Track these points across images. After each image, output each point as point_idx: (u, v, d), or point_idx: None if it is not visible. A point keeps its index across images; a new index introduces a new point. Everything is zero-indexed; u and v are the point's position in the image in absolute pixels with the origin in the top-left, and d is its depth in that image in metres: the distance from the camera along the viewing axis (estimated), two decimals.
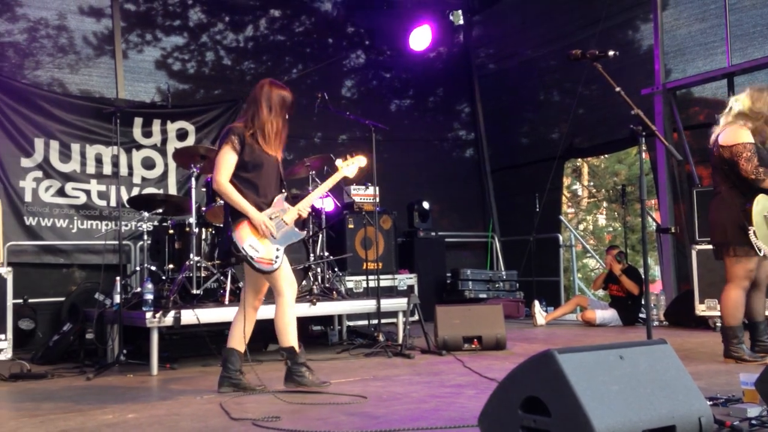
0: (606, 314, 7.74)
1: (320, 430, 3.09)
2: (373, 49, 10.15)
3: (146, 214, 6.04)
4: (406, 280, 8.21)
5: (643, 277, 7.16)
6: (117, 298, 5.43)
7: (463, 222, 10.54)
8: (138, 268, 6.31)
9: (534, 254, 8.91)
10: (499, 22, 10.60)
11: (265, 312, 4.59)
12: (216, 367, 4.44)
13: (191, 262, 5.58)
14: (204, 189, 6.31)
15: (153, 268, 5.97)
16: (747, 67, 7.26)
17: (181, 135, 8.21)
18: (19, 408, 4.00)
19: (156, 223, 6.36)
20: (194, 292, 5.54)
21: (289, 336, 4.15)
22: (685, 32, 7.92)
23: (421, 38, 9.61)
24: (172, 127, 8.15)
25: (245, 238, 4.03)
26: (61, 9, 7.85)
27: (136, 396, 4.21)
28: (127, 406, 3.84)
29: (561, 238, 9.63)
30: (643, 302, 7.63)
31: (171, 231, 5.95)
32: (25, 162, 7.33)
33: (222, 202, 4.43)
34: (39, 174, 7.38)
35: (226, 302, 5.47)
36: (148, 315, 4.99)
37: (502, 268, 10.09)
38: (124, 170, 7.73)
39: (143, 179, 7.96)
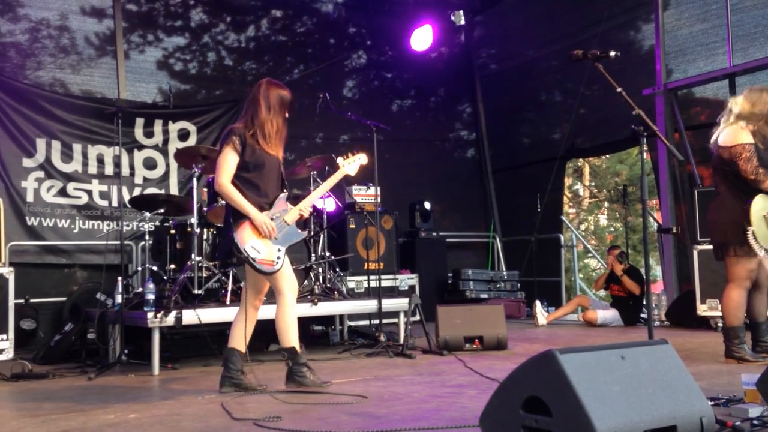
0: (607, 314, 7.74)
1: (321, 430, 3.09)
2: (374, 49, 10.15)
3: (148, 214, 6.05)
4: (408, 280, 8.21)
5: (644, 277, 7.20)
6: (118, 298, 5.43)
7: (465, 222, 10.54)
8: (139, 268, 6.31)
9: (535, 254, 8.91)
10: (500, 23, 10.61)
11: (267, 312, 4.59)
12: (217, 367, 4.44)
13: (193, 262, 5.58)
14: (205, 189, 6.32)
15: (154, 268, 5.97)
16: (748, 68, 7.26)
17: (183, 135, 8.22)
18: (21, 408, 4.00)
19: (157, 223, 6.37)
20: (196, 292, 5.54)
21: (290, 336, 4.15)
22: (686, 32, 7.92)
23: (422, 38, 9.61)
24: (174, 128, 8.16)
25: (247, 240, 4.03)
26: (63, 9, 7.85)
27: (138, 396, 4.22)
28: (129, 406, 3.85)
29: (562, 238, 9.62)
30: (644, 302, 7.62)
31: (172, 231, 5.96)
32: (27, 162, 7.34)
33: (223, 202, 4.43)
34: (41, 174, 7.39)
35: (228, 302, 5.47)
36: (150, 315, 4.99)
37: (504, 269, 10.09)
38: (125, 170, 7.74)
39: (145, 179, 7.97)
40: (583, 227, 17.44)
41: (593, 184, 18.03)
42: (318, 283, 6.19)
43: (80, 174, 7.60)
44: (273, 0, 9.34)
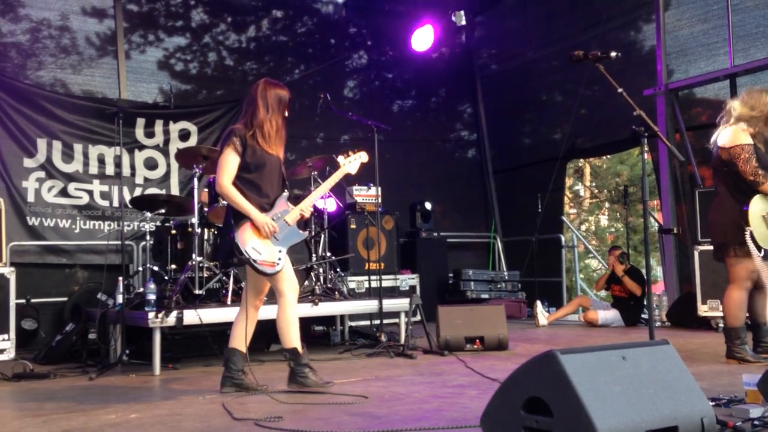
0: (608, 315, 7.74)
1: (322, 430, 3.10)
2: (375, 49, 10.15)
3: (149, 214, 6.05)
4: (408, 280, 8.21)
5: (645, 277, 7.20)
6: (119, 298, 5.44)
7: (465, 222, 10.54)
8: (140, 269, 6.31)
9: (536, 255, 8.91)
10: (501, 23, 10.61)
11: (268, 312, 4.59)
12: (218, 367, 4.44)
13: (194, 263, 5.58)
14: (206, 189, 6.32)
15: (155, 268, 5.97)
16: (750, 68, 7.26)
17: (184, 135, 8.22)
18: (22, 408, 4.01)
19: (158, 223, 6.37)
20: (197, 292, 5.54)
21: (292, 337, 4.15)
22: (687, 33, 7.91)
23: (423, 39, 9.61)
24: (175, 128, 8.17)
25: (248, 241, 4.03)
26: (64, 9, 7.86)
27: (139, 396, 4.22)
28: (130, 406, 3.85)
29: (563, 238, 9.62)
30: (645, 303, 7.62)
31: (173, 231, 5.96)
32: (28, 162, 7.34)
33: (224, 202, 4.43)
34: (42, 174, 7.39)
35: (229, 302, 5.47)
36: (151, 315, 4.99)
37: (504, 269, 10.10)
38: (126, 171, 7.74)
39: (146, 179, 7.98)
40: (583, 228, 17.44)
41: (594, 184, 18.02)
42: (319, 284, 6.20)
43: (81, 174, 7.60)
44: (274, 0, 9.35)
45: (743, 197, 4.55)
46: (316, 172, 6.48)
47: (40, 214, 7.34)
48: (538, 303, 8.10)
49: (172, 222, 6.10)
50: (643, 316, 7.76)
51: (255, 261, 4.01)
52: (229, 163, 4.08)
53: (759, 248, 4.49)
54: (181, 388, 4.48)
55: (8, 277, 5.37)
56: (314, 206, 5.12)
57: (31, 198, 7.30)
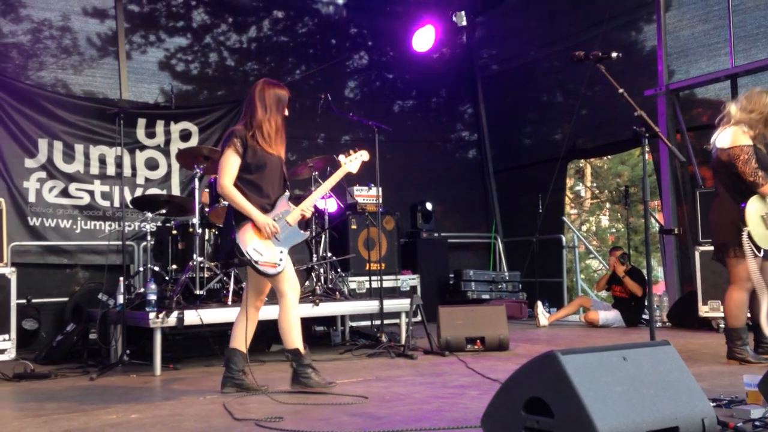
0: (609, 315, 7.73)
1: (323, 430, 3.10)
2: (375, 50, 10.15)
3: (149, 214, 6.06)
4: (409, 280, 8.21)
5: (646, 278, 7.19)
6: (120, 299, 5.44)
7: (466, 223, 10.54)
8: (141, 269, 6.32)
9: (537, 255, 8.91)
10: (502, 24, 10.61)
11: (269, 312, 4.59)
12: (219, 368, 4.45)
13: (194, 263, 5.58)
14: (207, 190, 6.32)
15: (156, 268, 5.98)
16: (750, 69, 7.26)
17: (185, 136, 8.22)
18: (23, 408, 4.01)
19: (159, 223, 6.38)
20: (197, 292, 5.54)
21: (294, 338, 4.15)
22: (688, 33, 7.91)
23: (424, 39, 9.62)
24: (176, 128, 8.17)
25: (249, 242, 4.03)
26: (65, 10, 7.87)
27: (140, 396, 4.22)
28: (131, 407, 3.85)
29: (564, 239, 9.62)
30: (646, 303, 7.62)
31: (174, 231, 5.97)
32: (29, 162, 7.35)
33: (225, 202, 4.43)
34: (43, 174, 7.40)
35: (229, 303, 5.47)
36: (152, 315, 4.99)
37: (505, 269, 10.10)
38: (127, 171, 7.75)
39: (147, 180, 7.98)
40: (584, 228, 17.44)
41: (595, 184, 18.02)
42: (319, 284, 6.20)
43: (82, 174, 7.61)
44: (274, 1, 9.35)
45: (742, 198, 4.56)
46: (316, 173, 6.48)
47: (41, 215, 7.35)
48: (539, 303, 8.09)
49: (173, 222, 6.11)
50: (643, 316, 7.75)
51: (256, 262, 4.00)
52: (230, 164, 4.09)
53: (758, 248, 4.49)
54: (182, 388, 4.48)
55: (9, 277, 5.38)
56: (315, 206, 5.13)
57: (32, 198, 7.31)
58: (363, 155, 4.66)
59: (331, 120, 8.82)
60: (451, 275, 9.38)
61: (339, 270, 6.85)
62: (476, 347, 5.76)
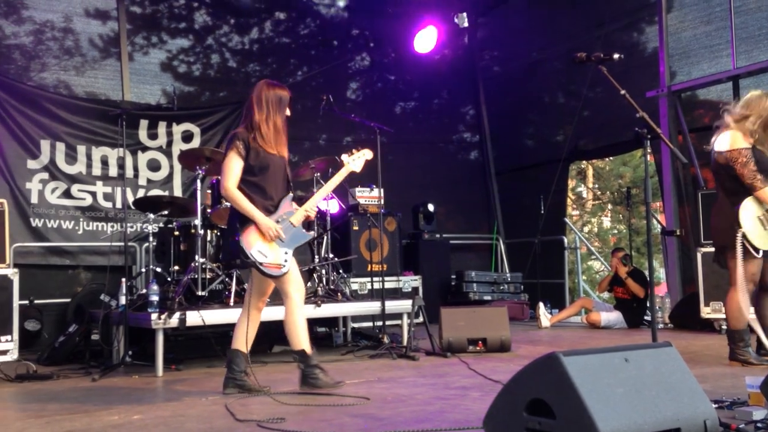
0: (611, 316, 7.73)
1: (325, 431, 3.10)
2: (377, 51, 10.16)
3: (152, 215, 6.07)
4: (411, 281, 8.22)
5: (648, 279, 7.19)
6: (122, 300, 5.45)
7: (468, 224, 10.54)
8: (143, 270, 6.32)
9: (539, 256, 8.91)
10: (503, 25, 10.60)
11: (270, 313, 4.60)
12: (221, 369, 4.45)
13: (196, 264, 5.59)
14: (209, 191, 6.33)
15: (158, 269, 5.98)
16: (752, 70, 7.25)
17: (187, 137, 8.23)
18: (25, 409, 4.01)
19: (161, 224, 6.39)
20: (199, 293, 5.55)
21: (300, 339, 4.14)
22: (690, 35, 7.90)
23: (426, 40, 9.62)
24: (178, 129, 8.18)
25: (253, 244, 4.03)
26: (67, 11, 7.87)
27: (142, 397, 4.23)
28: (133, 407, 3.85)
29: (566, 240, 9.61)
30: (648, 305, 7.61)
31: (176, 233, 5.97)
32: (32, 164, 7.36)
33: (227, 204, 4.43)
34: (45, 176, 7.41)
35: (231, 303, 5.47)
36: (154, 316, 5.00)
37: (507, 270, 10.09)
38: (129, 172, 7.76)
39: (149, 181, 7.99)
40: (586, 229, 17.43)
41: (597, 186, 18.02)
42: (321, 285, 6.20)
43: (84, 175, 7.61)
44: (276, 2, 9.36)
45: (738, 200, 4.57)
46: (318, 174, 6.49)
47: (44, 216, 7.36)
48: (541, 305, 8.09)
49: (175, 223, 6.11)
50: (645, 317, 7.75)
51: (261, 264, 4.01)
52: (233, 166, 4.09)
53: (756, 250, 4.50)
54: (184, 389, 4.48)
55: (11, 278, 5.38)
56: (317, 207, 5.13)
57: (34, 199, 7.32)
58: (366, 154, 4.66)
59: (332, 121, 8.82)
60: (453, 276, 9.38)
61: (341, 271, 6.85)
62: (478, 348, 5.76)
